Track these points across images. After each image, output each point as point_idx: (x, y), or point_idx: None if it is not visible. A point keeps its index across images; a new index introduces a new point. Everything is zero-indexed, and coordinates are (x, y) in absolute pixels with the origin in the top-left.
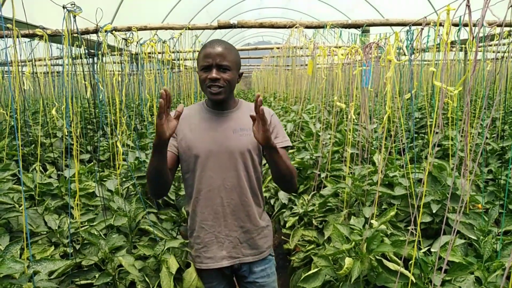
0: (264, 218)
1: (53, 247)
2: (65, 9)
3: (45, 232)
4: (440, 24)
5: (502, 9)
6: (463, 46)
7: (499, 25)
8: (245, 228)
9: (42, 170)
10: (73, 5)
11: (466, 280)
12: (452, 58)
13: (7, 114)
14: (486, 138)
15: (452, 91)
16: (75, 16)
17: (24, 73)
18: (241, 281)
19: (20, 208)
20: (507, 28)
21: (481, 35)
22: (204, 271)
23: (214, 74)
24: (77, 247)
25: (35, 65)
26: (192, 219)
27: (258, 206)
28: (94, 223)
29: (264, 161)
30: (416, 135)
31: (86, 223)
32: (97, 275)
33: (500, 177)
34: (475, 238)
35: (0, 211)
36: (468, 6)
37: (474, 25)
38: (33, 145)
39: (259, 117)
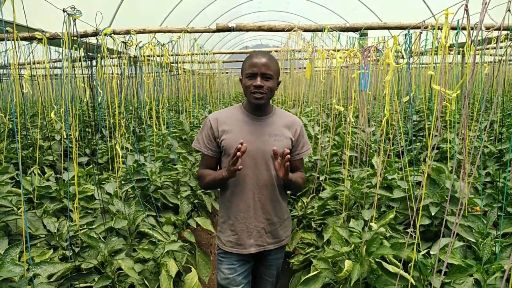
0: (286, 211)
1: (52, 250)
2: (65, 13)
3: (44, 235)
4: (439, 28)
5: (500, 12)
6: (461, 49)
7: (498, 29)
8: (271, 220)
9: (40, 173)
10: (73, 9)
11: (465, 283)
12: (450, 61)
13: (5, 117)
14: (484, 141)
15: (450, 94)
16: (75, 19)
17: (23, 76)
18: (257, 261)
19: (19, 211)
20: (505, 32)
21: (479, 38)
22: (233, 254)
23: (258, 82)
24: (76, 250)
25: (34, 68)
26: (227, 209)
27: (284, 201)
28: (93, 226)
29: None
30: (414, 138)
31: (85, 226)
32: (96, 278)
33: (498, 179)
34: (474, 240)
35: None
36: (466, 10)
37: (472, 28)
38: (32, 148)
39: (282, 161)
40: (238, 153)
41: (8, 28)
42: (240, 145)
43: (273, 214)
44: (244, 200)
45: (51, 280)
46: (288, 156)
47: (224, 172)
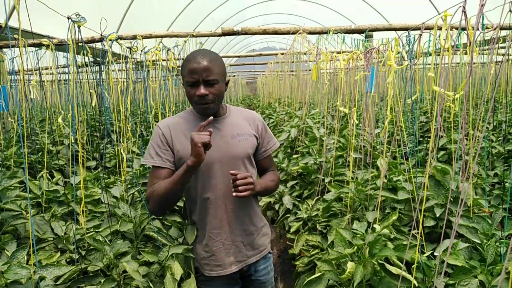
0: (261, 217)
1: (59, 253)
2: (70, 20)
3: (51, 239)
4: (439, 29)
5: (499, 13)
6: (465, 49)
7: (503, 28)
8: (248, 230)
9: (49, 177)
10: (77, 16)
11: (470, 284)
12: (455, 62)
13: (15, 122)
14: (492, 141)
15: (452, 95)
16: (80, 26)
17: (31, 82)
18: (245, 280)
19: (27, 215)
20: (505, 32)
21: (480, 39)
22: (213, 278)
23: (202, 90)
24: (83, 253)
25: (42, 74)
26: (201, 228)
27: (258, 206)
28: (100, 229)
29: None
30: (421, 139)
31: (91, 229)
32: (102, 281)
33: (505, 180)
34: (479, 241)
35: (8, 218)
36: (464, 12)
37: (473, 28)
38: (40, 153)
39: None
40: (210, 118)
41: (15, 35)
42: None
43: (249, 223)
44: (216, 215)
45: (58, 282)
46: (239, 175)
47: (189, 160)
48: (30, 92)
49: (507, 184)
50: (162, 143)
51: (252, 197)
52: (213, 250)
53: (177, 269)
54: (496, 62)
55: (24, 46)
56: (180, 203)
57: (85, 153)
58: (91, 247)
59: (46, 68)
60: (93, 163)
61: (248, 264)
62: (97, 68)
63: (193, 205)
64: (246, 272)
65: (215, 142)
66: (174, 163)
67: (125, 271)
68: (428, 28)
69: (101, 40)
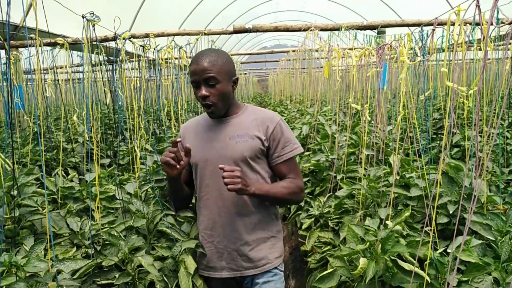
0: (270, 228)
1: (75, 248)
2: (85, 19)
3: (67, 234)
4: (452, 24)
5: None
6: (479, 45)
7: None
8: (244, 240)
9: (64, 175)
10: (91, 15)
11: (484, 281)
12: (469, 57)
13: (30, 121)
14: (507, 138)
15: (465, 91)
16: (94, 25)
17: (46, 81)
18: None
19: (43, 211)
20: None
21: (495, 34)
22: (209, 279)
23: (203, 91)
24: (98, 248)
25: (57, 73)
26: (198, 226)
27: (263, 216)
28: (114, 225)
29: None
30: (435, 136)
31: (106, 225)
32: (117, 275)
33: None
34: (493, 238)
35: (25, 213)
36: (478, 6)
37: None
38: (55, 151)
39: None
40: (171, 161)
41: (32, 35)
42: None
43: (244, 233)
44: (208, 216)
45: (75, 276)
46: (226, 167)
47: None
48: (46, 90)
49: None
50: (180, 145)
51: (251, 205)
52: (206, 251)
53: (191, 263)
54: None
55: (40, 46)
56: (194, 200)
57: (99, 150)
58: (106, 242)
59: (61, 67)
60: (107, 161)
61: (244, 275)
62: (111, 66)
63: (196, 201)
64: (242, 283)
65: (212, 143)
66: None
67: (139, 266)
68: (441, 23)
69: (114, 38)
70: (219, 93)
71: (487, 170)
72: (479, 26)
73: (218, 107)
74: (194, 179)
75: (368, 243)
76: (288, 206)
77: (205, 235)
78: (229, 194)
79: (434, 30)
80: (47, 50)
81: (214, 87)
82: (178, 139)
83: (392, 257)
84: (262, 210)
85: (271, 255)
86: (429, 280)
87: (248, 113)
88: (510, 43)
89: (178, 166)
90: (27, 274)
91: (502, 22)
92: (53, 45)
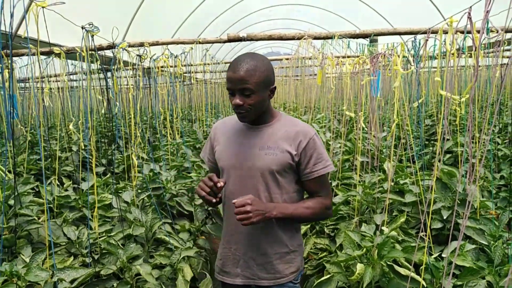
0: (291, 242)
1: (72, 257)
2: (84, 29)
3: (64, 243)
4: (446, 33)
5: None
6: (471, 53)
7: (508, 31)
8: (262, 251)
9: (58, 184)
10: (91, 25)
11: (478, 285)
12: (461, 65)
13: (26, 131)
14: (498, 143)
15: (458, 99)
16: (93, 35)
17: (42, 89)
18: None
19: (40, 220)
20: (510, 35)
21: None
22: (222, 283)
23: (237, 100)
24: (96, 257)
25: (51, 81)
26: (223, 229)
27: (284, 229)
28: (112, 234)
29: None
30: (427, 143)
31: (104, 234)
32: (115, 284)
33: (511, 182)
34: (486, 243)
35: (22, 223)
36: (469, 18)
37: (478, 31)
38: (50, 159)
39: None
40: (207, 196)
41: (31, 45)
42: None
43: (265, 244)
44: (229, 222)
45: (73, 285)
46: (236, 202)
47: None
48: (43, 100)
49: None
50: (211, 141)
51: (274, 220)
52: (222, 255)
53: (188, 272)
54: (501, 64)
55: (34, 54)
56: (192, 209)
57: (94, 159)
58: (104, 251)
59: (55, 76)
60: (101, 169)
61: (258, 285)
62: (105, 75)
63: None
64: None
65: (241, 150)
66: (215, 162)
67: (137, 274)
68: (434, 32)
69: (111, 47)
70: (253, 103)
71: (479, 176)
72: (470, 36)
73: (249, 116)
74: None
75: (364, 249)
76: None
77: (224, 241)
78: None
79: (427, 40)
80: (43, 59)
81: (249, 97)
82: (220, 184)
83: (388, 263)
84: (285, 223)
85: (288, 269)
86: (425, 285)
87: (281, 124)
88: (499, 51)
89: (214, 201)
90: (28, 283)
91: (492, 31)
92: (49, 53)
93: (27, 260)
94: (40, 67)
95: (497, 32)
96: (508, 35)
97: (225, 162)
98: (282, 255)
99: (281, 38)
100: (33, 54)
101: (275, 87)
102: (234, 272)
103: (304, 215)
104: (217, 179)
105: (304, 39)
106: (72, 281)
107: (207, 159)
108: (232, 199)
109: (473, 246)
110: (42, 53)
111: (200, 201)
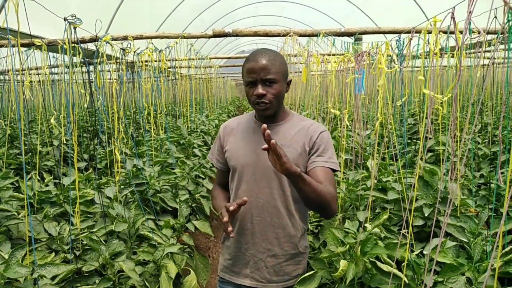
0: (300, 244)
1: (53, 254)
2: (66, 21)
3: (45, 239)
4: (429, 32)
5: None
6: (453, 53)
7: (489, 33)
8: (273, 252)
9: (39, 178)
10: (73, 17)
11: (457, 281)
12: (443, 64)
13: (5, 124)
14: (478, 143)
15: (441, 98)
16: (76, 27)
17: (23, 82)
18: None
19: (19, 215)
20: (490, 36)
21: (467, 43)
22: (227, 282)
23: (260, 90)
24: (78, 253)
25: (32, 74)
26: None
27: (295, 230)
28: (94, 230)
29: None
30: (409, 141)
31: (85, 230)
32: (97, 281)
33: (491, 181)
34: (466, 240)
35: (1, 218)
36: (453, 18)
37: (461, 32)
38: (30, 154)
39: (272, 150)
40: (225, 218)
41: (10, 37)
42: (229, 209)
43: (275, 244)
44: (240, 221)
45: (54, 282)
46: (268, 132)
47: (220, 214)
48: (24, 93)
49: (492, 185)
50: (219, 142)
51: (286, 216)
52: (232, 255)
53: (172, 268)
54: (482, 65)
55: (14, 46)
56: (176, 205)
57: (75, 153)
58: (86, 247)
59: (36, 68)
60: (83, 164)
61: (265, 287)
62: (88, 68)
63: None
64: None
65: (254, 148)
66: (225, 162)
67: (120, 271)
68: (417, 31)
69: (94, 40)
70: (276, 93)
71: (460, 175)
72: (453, 36)
73: (272, 108)
74: (230, 181)
75: (348, 246)
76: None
77: (234, 240)
78: (265, 203)
79: (411, 39)
80: (23, 51)
81: (272, 86)
82: (232, 208)
83: (371, 259)
84: (296, 223)
85: (295, 271)
86: (407, 281)
87: (294, 122)
88: (480, 52)
89: (230, 229)
90: (6, 280)
91: (474, 32)
92: (30, 45)
93: (6, 256)
94: (20, 59)
95: (479, 33)
96: (489, 37)
97: (237, 161)
98: (291, 257)
99: (266, 35)
100: (13, 46)
101: (290, 81)
102: (243, 273)
103: (319, 189)
104: (226, 212)
105: (290, 36)
106: (53, 278)
107: (215, 160)
108: (243, 197)
109: (454, 243)
110: (23, 45)
111: (184, 197)
